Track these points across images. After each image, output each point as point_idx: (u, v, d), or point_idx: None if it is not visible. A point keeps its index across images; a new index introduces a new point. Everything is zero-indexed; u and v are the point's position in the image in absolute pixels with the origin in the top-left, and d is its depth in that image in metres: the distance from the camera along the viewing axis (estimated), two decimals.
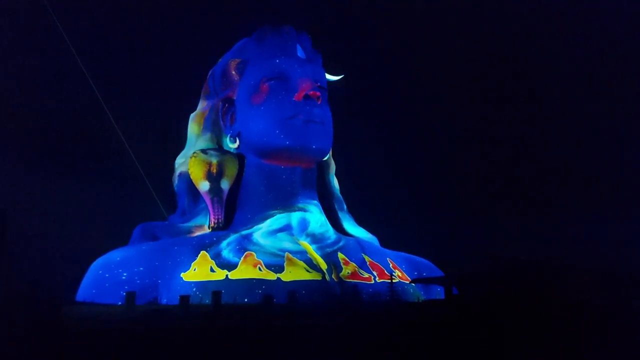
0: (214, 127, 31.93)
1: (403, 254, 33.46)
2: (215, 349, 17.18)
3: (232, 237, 28.62)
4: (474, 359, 17.47)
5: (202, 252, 27.14)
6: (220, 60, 33.33)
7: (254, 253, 27.61)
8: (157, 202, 35.67)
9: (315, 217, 30.85)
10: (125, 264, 26.20)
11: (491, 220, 52.68)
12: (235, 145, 31.22)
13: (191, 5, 58.20)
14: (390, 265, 31.00)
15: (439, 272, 32.35)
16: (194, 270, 26.27)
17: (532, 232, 50.11)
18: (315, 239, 30.08)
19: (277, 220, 29.67)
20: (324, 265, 28.27)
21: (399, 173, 56.38)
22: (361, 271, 29.01)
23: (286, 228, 29.62)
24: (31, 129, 49.59)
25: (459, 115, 59.44)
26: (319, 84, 30.54)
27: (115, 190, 47.38)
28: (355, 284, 27.82)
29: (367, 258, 30.24)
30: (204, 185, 30.30)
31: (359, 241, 32.11)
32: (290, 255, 27.94)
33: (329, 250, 29.66)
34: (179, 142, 33.93)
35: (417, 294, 30.24)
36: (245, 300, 25.08)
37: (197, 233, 29.93)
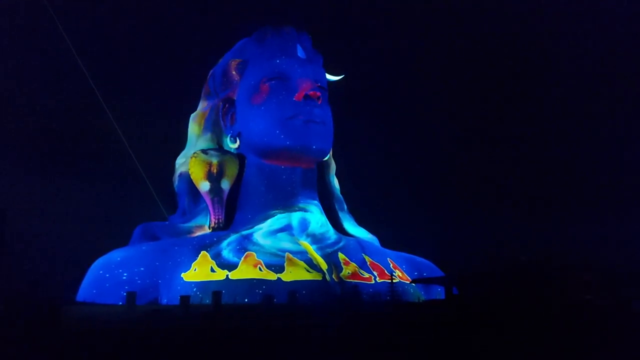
0: (215, 127, 31.93)
1: (403, 254, 33.47)
2: (215, 349, 17.18)
3: (233, 237, 28.63)
4: (474, 359, 17.47)
5: (203, 252, 27.15)
6: (220, 60, 33.34)
7: (254, 253, 27.62)
8: (157, 202, 35.66)
9: (315, 217, 30.86)
10: (125, 264, 26.21)
11: (491, 220, 52.71)
12: (236, 145, 31.22)
13: (191, 5, 58.25)
14: (391, 265, 31.01)
15: (439, 272, 32.35)
16: (195, 270, 26.28)
17: (532, 232, 50.12)
18: (316, 239, 30.09)
19: (277, 220, 29.68)
20: (324, 266, 28.28)
21: (399, 173, 56.39)
22: (361, 271, 29.02)
23: (286, 228, 29.63)
24: (31, 129, 49.64)
25: (459, 115, 59.49)
26: (319, 84, 30.53)
27: (115, 190, 47.43)
28: (356, 284, 27.83)
29: (367, 258, 30.24)
30: (204, 186, 30.30)
31: (359, 241, 32.12)
32: (290, 256, 27.95)
33: (329, 250, 29.66)
34: (180, 142, 33.96)
35: (418, 294, 30.26)
36: (246, 300, 25.11)
37: (198, 233, 29.94)
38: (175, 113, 38.64)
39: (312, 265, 27.94)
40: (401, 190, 56.16)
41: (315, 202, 31.54)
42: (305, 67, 30.47)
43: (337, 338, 18.55)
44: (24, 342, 16.70)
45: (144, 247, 27.77)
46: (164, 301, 25.42)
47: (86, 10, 51.90)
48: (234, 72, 31.33)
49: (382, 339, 18.40)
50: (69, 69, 41.40)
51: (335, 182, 34.39)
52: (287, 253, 28.06)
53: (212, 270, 26.40)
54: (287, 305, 24.09)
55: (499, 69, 58.89)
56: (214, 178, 30.25)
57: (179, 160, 32.82)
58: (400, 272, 31.04)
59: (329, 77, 33.10)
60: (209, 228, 30.10)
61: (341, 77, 34.97)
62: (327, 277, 27.65)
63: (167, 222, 31.81)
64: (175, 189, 32.72)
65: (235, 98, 31.36)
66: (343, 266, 28.85)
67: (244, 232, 29.13)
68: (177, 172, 32.44)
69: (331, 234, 31.19)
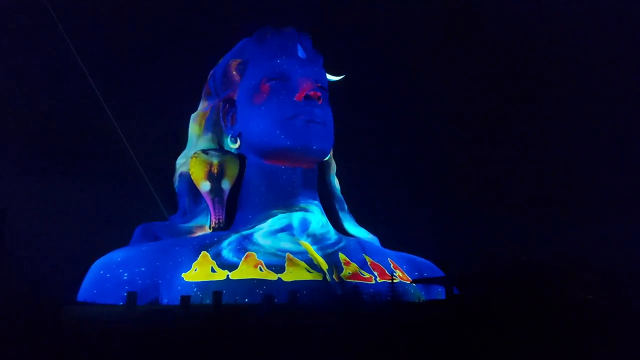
0: (215, 127, 31.94)
1: (404, 254, 33.47)
2: (216, 349, 17.19)
3: (233, 238, 28.63)
4: (474, 359, 17.48)
5: (203, 253, 27.15)
6: (221, 60, 33.32)
7: (254, 253, 27.62)
8: (157, 202, 35.67)
9: (316, 217, 30.86)
10: (126, 264, 26.23)
11: (491, 220, 52.75)
12: (236, 145, 31.22)
13: (192, 6, 58.22)
14: (391, 265, 31.01)
15: (439, 273, 32.35)
16: (195, 270, 26.28)
17: (532, 232, 50.17)
18: (316, 239, 30.08)
19: (278, 220, 29.68)
20: (324, 266, 28.27)
21: (399, 173, 56.44)
22: (362, 271, 29.01)
23: (287, 228, 29.63)
24: (31, 129, 49.65)
25: (459, 115, 59.51)
26: (319, 84, 30.52)
27: (115, 190, 47.46)
28: (356, 284, 27.82)
29: (368, 258, 30.24)
30: (204, 186, 30.30)
31: (359, 241, 32.12)
32: (291, 256, 27.95)
33: (330, 250, 29.66)
34: (180, 142, 33.97)
35: (418, 294, 30.25)
36: (246, 300, 25.10)
37: (198, 233, 29.94)
38: (176, 113, 38.69)
39: (312, 265, 27.94)
40: (401, 190, 56.23)
41: (316, 202, 31.54)
42: (305, 67, 30.46)
43: (337, 338, 18.55)
44: (24, 342, 16.70)
45: (144, 247, 27.78)
46: (165, 301, 25.42)
47: (86, 10, 51.93)
48: (234, 73, 31.33)
49: (382, 339, 18.41)
50: (69, 69, 41.50)
51: (336, 182, 34.39)
52: (287, 253, 28.05)
53: (213, 270, 26.41)
54: (288, 306, 24.10)
55: (499, 69, 59.02)
56: (215, 178, 30.25)
57: (180, 161, 32.83)
58: (401, 272, 31.03)
59: (329, 77, 33.08)
60: (210, 228, 30.09)
61: (341, 77, 34.97)
62: (328, 277, 27.65)
63: (167, 222, 31.79)
64: (176, 189, 32.73)
65: (235, 98, 31.36)
66: (344, 266, 28.84)
67: (245, 232, 29.13)
68: (178, 172, 32.45)
69: (332, 234, 31.19)
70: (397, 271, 30.69)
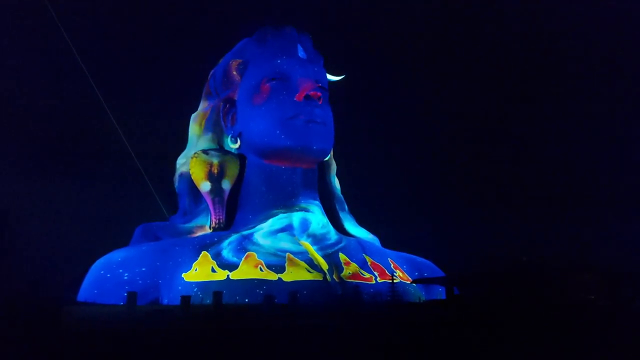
0: (215, 127, 31.94)
1: (404, 254, 33.49)
2: (216, 349, 17.20)
3: (233, 238, 28.63)
4: (474, 359, 17.49)
5: (203, 253, 27.15)
6: (221, 60, 33.33)
7: (255, 253, 27.62)
8: (158, 202, 35.68)
9: (316, 217, 30.86)
10: (126, 264, 26.24)
11: (491, 220, 52.74)
12: (236, 145, 31.23)
13: (192, 6, 58.21)
14: (392, 265, 31.01)
15: (439, 273, 32.36)
16: (195, 270, 26.28)
17: (532, 232, 50.17)
18: (317, 239, 30.08)
19: (278, 220, 29.69)
20: (325, 266, 28.27)
21: (399, 173, 56.39)
22: (362, 271, 29.01)
23: (287, 228, 29.63)
24: (31, 129, 49.62)
25: (459, 115, 59.49)
26: (320, 84, 30.53)
27: (115, 190, 47.43)
28: (357, 284, 27.82)
29: (368, 258, 30.24)
30: (205, 186, 30.31)
31: (360, 242, 32.12)
32: (291, 256, 27.95)
33: (330, 250, 29.66)
34: (180, 143, 33.97)
35: (418, 294, 30.25)
36: (247, 300, 25.10)
37: (199, 233, 29.95)
38: (176, 113, 38.68)
39: (313, 265, 27.94)
40: (401, 190, 56.20)
41: (316, 202, 31.55)
42: (306, 68, 30.48)
43: (337, 338, 18.56)
44: (24, 342, 16.71)
45: (144, 247, 27.79)
46: (165, 301, 25.42)
47: (86, 10, 51.92)
48: (234, 73, 31.35)
49: (382, 339, 18.43)
50: (69, 69, 41.46)
51: (336, 182, 34.40)
52: (288, 253, 28.05)
53: (213, 270, 26.41)
54: (288, 306, 24.08)
55: (499, 69, 58.99)
56: (215, 178, 30.26)
57: (180, 161, 32.83)
58: (401, 272, 31.04)
59: (329, 77, 33.10)
60: (210, 228, 30.10)
61: (342, 77, 34.97)
62: (328, 277, 27.64)
63: (167, 222, 31.81)
64: (176, 189, 32.74)
65: (236, 98, 31.37)
66: (344, 266, 28.84)
67: (245, 232, 29.13)
68: (178, 172, 32.46)
69: (332, 234, 31.19)
70: (398, 271, 30.69)
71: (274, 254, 27.94)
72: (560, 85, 58.59)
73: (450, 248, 43.61)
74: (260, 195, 30.41)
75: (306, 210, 30.57)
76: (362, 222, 34.42)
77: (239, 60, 31.56)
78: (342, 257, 29.48)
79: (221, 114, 31.70)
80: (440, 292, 31.04)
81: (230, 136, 31.35)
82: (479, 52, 60.20)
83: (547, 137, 59.36)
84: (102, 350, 16.62)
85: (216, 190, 30.22)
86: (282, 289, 25.44)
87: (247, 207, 30.51)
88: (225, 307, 23.00)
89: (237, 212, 30.71)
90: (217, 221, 30.02)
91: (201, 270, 26.26)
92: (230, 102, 31.52)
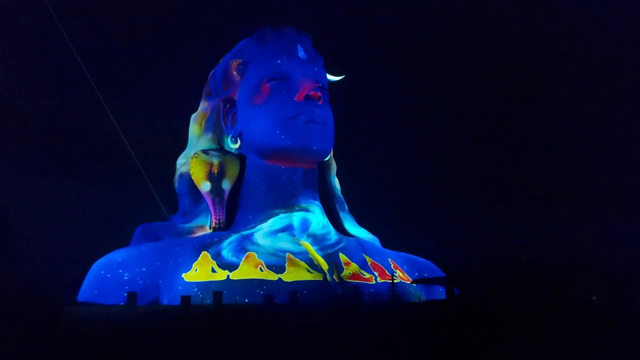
0: (215, 127, 31.94)
1: (404, 254, 33.49)
2: (216, 350, 17.22)
3: (233, 238, 28.64)
4: (474, 359, 17.50)
5: (204, 253, 27.16)
6: (221, 60, 33.34)
7: (255, 253, 27.62)
8: (158, 202, 35.70)
9: (317, 217, 30.87)
10: (126, 265, 26.23)
11: (491, 220, 52.74)
12: (237, 145, 31.24)
13: (192, 6, 58.21)
14: (392, 265, 31.02)
15: (439, 273, 32.36)
16: (196, 270, 26.28)
17: (532, 232, 50.16)
18: (317, 239, 30.08)
19: (278, 220, 29.69)
20: (325, 266, 28.27)
21: (399, 173, 56.42)
22: (362, 272, 29.01)
23: (288, 228, 29.64)
24: (31, 129, 49.62)
25: (459, 115, 59.50)
26: (320, 84, 30.55)
27: (115, 190, 47.44)
28: (357, 285, 27.81)
29: (368, 258, 30.24)
30: (205, 186, 30.31)
31: (360, 242, 32.13)
32: (291, 256, 27.96)
33: (330, 250, 29.66)
34: (180, 143, 33.97)
35: (418, 294, 30.26)
36: (247, 300, 25.09)
37: (199, 233, 29.95)
38: (176, 113, 38.69)
39: (313, 265, 27.94)
40: (401, 190, 56.21)
41: (317, 202, 31.56)
42: (306, 68, 30.49)
43: (337, 338, 18.57)
44: (24, 342, 16.73)
45: (144, 248, 27.79)
46: (165, 301, 25.40)
47: (86, 10, 51.91)
48: (234, 73, 31.36)
49: (382, 339, 18.44)
50: (69, 69, 41.44)
51: (336, 183, 34.40)
52: (288, 253, 28.05)
53: (213, 270, 26.41)
54: (288, 306, 24.09)
55: (499, 69, 58.98)
56: (215, 178, 30.27)
57: (180, 161, 32.84)
58: (401, 272, 31.04)
59: (329, 77, 33.11)
60: (210, 228, 30.11)
61: (342, 77, 34.98)
62: (328, 277, 27.64)
63: (167, 222, 31.83)
64: (176, 189, 32.74)
65: (236, 98, 31.37)
66: (344, 266, 28.84)
67: (245, 232, 29.14)
68: (178, 173, 32.46)
69: (332, 234, 31.19)
70: (398, 271, 30.69)
71: (274, 254, 27.94)
72: (560, 85, 58.60)
73: (450, 248, 43.62)
74: (261, 195, 30.41)
75: (306, 210, 30.57)
76: (362, 222, 34.42)
77: (239, 61, 31.57)
78: (342, 257, 29.48)
79: (221, 114, 31.70)
80: (440, 292, 31.03)
81: (230, 136, 31.35)
82: (479, 52, 60.22)
83: (547, 137, 59.39)
84: (102, 350, 16.63)
85: (216, 190, 30.22)
86: (282, 289, 25.44)
87: (247, 207, 30.51)
88: (225, 307, 23.00)
89: (237, 212, 30.71)
90: (217, 221, 30.02)
91: (201, 271, 26.26)
92: (231, 102, 31.52)
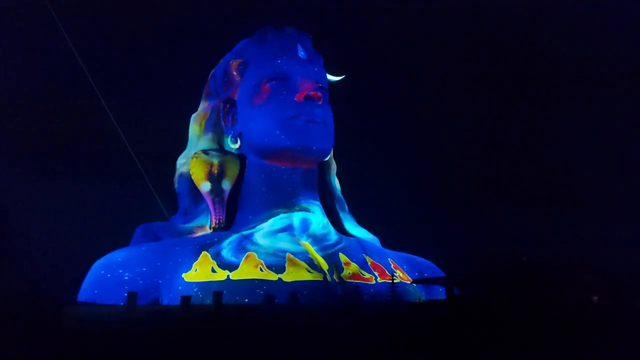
0: (215, 127, 31.95)
1: (404, 254, 33.50)
2: (216, 350, 17.23)
3: (233, 238, 28.65)
4: (474, 359, 17.51)
5: (204, 253, 27.16)
6: (221, 61, 33.35)
7: (255, 253, 27.63)
8: (158, 202, 35.70)
9: (317, 217, 30.88)
10: (126, 265, 26.24)
11: (491, 220, 52.71)
12: (237, 145, 31.25)
13: (192, 6, 58.20)
14: (392, 265, 31.02)
15: (440, 273, 32.37)
16: (196, 270, 26.29)
17: (532, 232, 50.13)
18: (317, 239, 30.09)
19: (278, 220, 29.70)
20: (325, 266, 28.28)
21: (400, 173, 56.38)
22: (362, 272, 29.02)
23: (288, 228, 29.65)
24: (31, 129, 49.60)
25: (459, 115, 59.47)
26: (320, 84, 30.57)
27: (115, 190, 47.39)
28: (357, 285, 27.82)
29: (368, 258, 30.25)
30: (205, 186, 30.32)
31: (360, 242, 32.13)
32: (291, 256, 27.96)
33: (330, 250, 29.67)
34: (180, 143, 33.97)
35: (418, 294, 30.26)
36: (247, 300, 25.09)
37: (199, 233, 29.97)
38: (176, 113, 38.67)
39: (313, 265, 27.95)
40: (401, 190, 56.18)
41: (317, 202, 31.57)
42: (306, 68, 30.51)
43: (337, 338, 18.57)
44: (24, 342, 16.73)
45: (144, 248, 27.80)
46: (165, 301, 25.41)
47: (86, 10, 51.90)
48: (234, 73, 31.37)
49: (382, 339, 18.44)
50: (69, 69, 41.44)
51: (336, 183, 34.40)
52: (288, 253, 28.06)
53: (213, 270, 26.41)
54: (288, 306, 24.10)
55: (499, 69, 58.95)
56: (215, 178, 30.28)
57: (180, 161, 32.84)
58: (401, 272, 31.05)
59: (330, 77, 33.12)
60: (210, 228, 30.12)
61: (342, 77, 34.98)
62: (328, 277, 27.65)
63: (167, 222, 31.83)
64: (176, 189, 32.74)
65: (236, 98, 31.38)
66: (344, 266, 28.84)
67: (245, 232, 29.15)
68: (178, 173, 32.47)
69: (332, 234, 31.20)
70: (398, 271, 30.70)
71: (274, 254, 27.95)
72: (560, 85, 58.59)
73: (450, 248, 43.60)
74: (261, 195, 30.42)
75: (306, 210, 30.58)
76: (362, 222, 34.42)
77: (239, 61, 31.58)
78: (342, 257, 29.48)
79: (221, 114, 31.71)
80: (440, 292, 31.03)
81: (230, 136, 31.36)
82: (479, 52, 60.18)
83: (547, 137, 59.35)
84: (102, 350, 16.64)
85: (216, 190, 30.23)
86: (282, 289, 25.44)
87: (247, 207, 30.52)
88: (225, 307, 23.01)
89: (237, 212, 30.71)
90: (217, 221, 30.03)
91: (201, 271, 26.27)
92: (231, 102, 31.53)
